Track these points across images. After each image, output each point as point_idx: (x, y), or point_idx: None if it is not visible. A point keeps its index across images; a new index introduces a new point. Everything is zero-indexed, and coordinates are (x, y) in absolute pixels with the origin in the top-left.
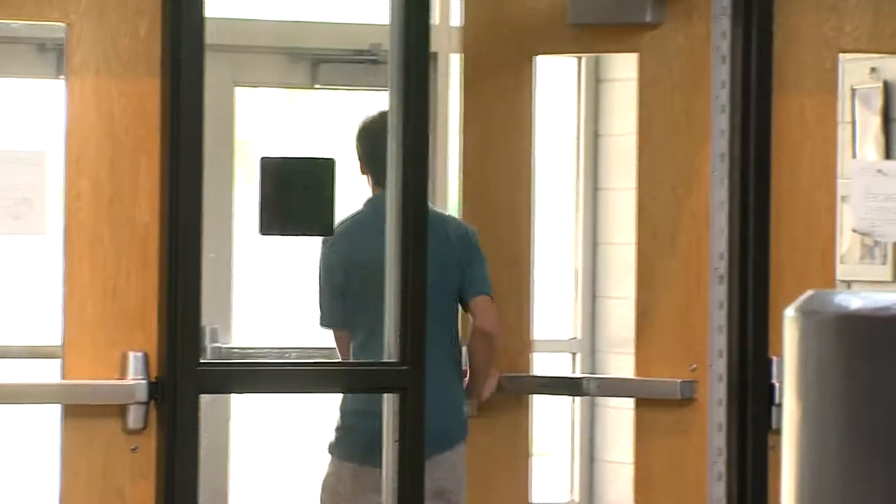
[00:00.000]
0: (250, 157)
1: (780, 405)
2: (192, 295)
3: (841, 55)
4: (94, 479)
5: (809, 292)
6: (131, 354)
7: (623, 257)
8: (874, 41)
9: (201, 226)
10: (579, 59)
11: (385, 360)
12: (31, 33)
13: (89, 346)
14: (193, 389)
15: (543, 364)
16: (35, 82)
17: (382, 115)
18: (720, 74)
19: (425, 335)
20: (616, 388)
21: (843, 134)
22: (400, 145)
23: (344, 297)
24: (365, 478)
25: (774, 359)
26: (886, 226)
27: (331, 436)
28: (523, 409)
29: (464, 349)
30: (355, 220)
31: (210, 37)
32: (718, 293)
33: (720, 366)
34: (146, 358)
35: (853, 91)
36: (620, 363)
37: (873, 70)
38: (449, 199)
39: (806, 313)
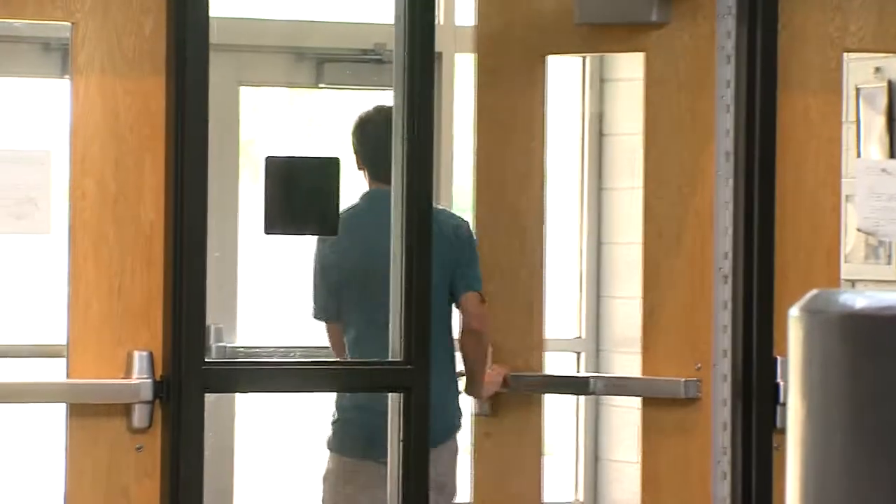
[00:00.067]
0: (255, 156)
1: (784, 404)
2: (197, 294)
3: (845, 55)
4: (99, 478)
5: (814, 291)
6: (136, 353)
7: (627, 257)
8: (879, 41)
9: (206, 225)
10: (584, 58)
11: (389, 359)
12: (36, 32)
13: (94, 345)
14: (198, 388)
15: (548, 363)
16: (40, 81)
17: (378, 110)
18: (725, 74)
19: (429, 335)
20: (622, 387)
21: (848, 133)
22: (405, 145)
23: (338, 290)
24: (365, 472)
25: (779, 358)
26: (891, 225)
27: (328, 430)
28: (535, 408)
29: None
30: (351, 215)
31: (215, 36)
32: (723, 293)
33: (725, 365)
34: (151, 357)
35: (858, 90)
36: (625, 362)
37: (878, 70)
38: (453, 198)
39: (810, 313)
